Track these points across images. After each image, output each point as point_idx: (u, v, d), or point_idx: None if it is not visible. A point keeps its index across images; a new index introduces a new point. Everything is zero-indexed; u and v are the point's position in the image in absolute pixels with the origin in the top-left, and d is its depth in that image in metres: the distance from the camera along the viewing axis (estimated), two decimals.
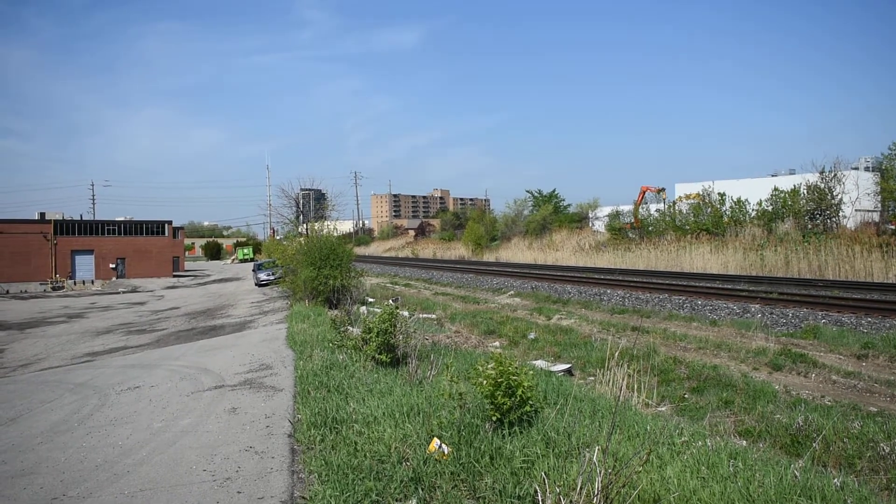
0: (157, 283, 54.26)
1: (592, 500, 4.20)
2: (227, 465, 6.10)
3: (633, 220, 46.75)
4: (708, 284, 24.59)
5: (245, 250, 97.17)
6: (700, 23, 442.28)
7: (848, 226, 32.51)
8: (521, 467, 5.18)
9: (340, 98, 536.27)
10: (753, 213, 36.78)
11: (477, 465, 5.33)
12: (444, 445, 5.62)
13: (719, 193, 40.23)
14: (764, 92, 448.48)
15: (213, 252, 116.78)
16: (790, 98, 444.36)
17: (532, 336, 16.25)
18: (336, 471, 5.52)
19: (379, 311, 11.13)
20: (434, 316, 20.79)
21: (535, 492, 4.59)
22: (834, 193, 32.71)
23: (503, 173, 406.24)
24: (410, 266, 51.99)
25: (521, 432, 5.94)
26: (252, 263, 62.60)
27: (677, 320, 17.22)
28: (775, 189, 36.30)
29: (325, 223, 29.67)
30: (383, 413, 6.93)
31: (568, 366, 12.32)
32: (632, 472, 4.40)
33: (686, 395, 10.33)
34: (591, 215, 59.32)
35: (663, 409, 9.47)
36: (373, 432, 6.37)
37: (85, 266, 58.45)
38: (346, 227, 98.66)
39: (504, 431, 5.98)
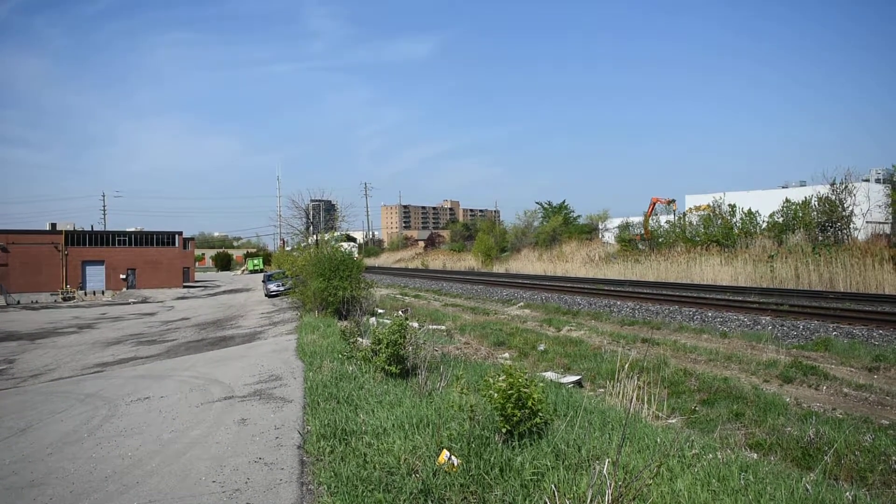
0: (167, 294, 54.50)
1: None
2: (237, 477, 6.11)
3: (643, 232, 46.65)
4: (718, 296, 24.45)
5: (255, 261, 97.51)
6: (710, 39, 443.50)
7: (859, 238, 32.28)
8: (531, 480, 5.16)
9: (352, 108, 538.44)
10: (764, 225, 36.62)
11: (486, 477, 5.32)
12: (453, 457, 5.61)
13: (730, 205, 40.09)
14: (775, 106, 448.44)
15: (224, 263, 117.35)
16: (799, 113, 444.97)
17: (542, 348, 16.20)
18: (345, 482, 5.52)
19: (389, 322, 11.16)
20: (444, 327, 20.77)
21: None
22: (845, 205, 32.53)
23: (513, 184, 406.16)
24: (420, 277, 52.03)
25: (530, 444, 5.93)
26: (262, 274, 62.78)
27: (687, 332, 17.13)
28: (786, 201, 36.12)
29: (335, 234, 29.70)
30: (393, 424, 6.93)
31: (578, 377, 12.26)
32: (642, 484, 4.38)
33: (696, 408, 10.26)
34: (601, 227, 59.15)
35: (673, 421, 9.40)
36: (382, 444, 6.38)
37: (96, 277, 58.76)
38: (355, 237, 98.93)
39: (514, 443, 5.97)
